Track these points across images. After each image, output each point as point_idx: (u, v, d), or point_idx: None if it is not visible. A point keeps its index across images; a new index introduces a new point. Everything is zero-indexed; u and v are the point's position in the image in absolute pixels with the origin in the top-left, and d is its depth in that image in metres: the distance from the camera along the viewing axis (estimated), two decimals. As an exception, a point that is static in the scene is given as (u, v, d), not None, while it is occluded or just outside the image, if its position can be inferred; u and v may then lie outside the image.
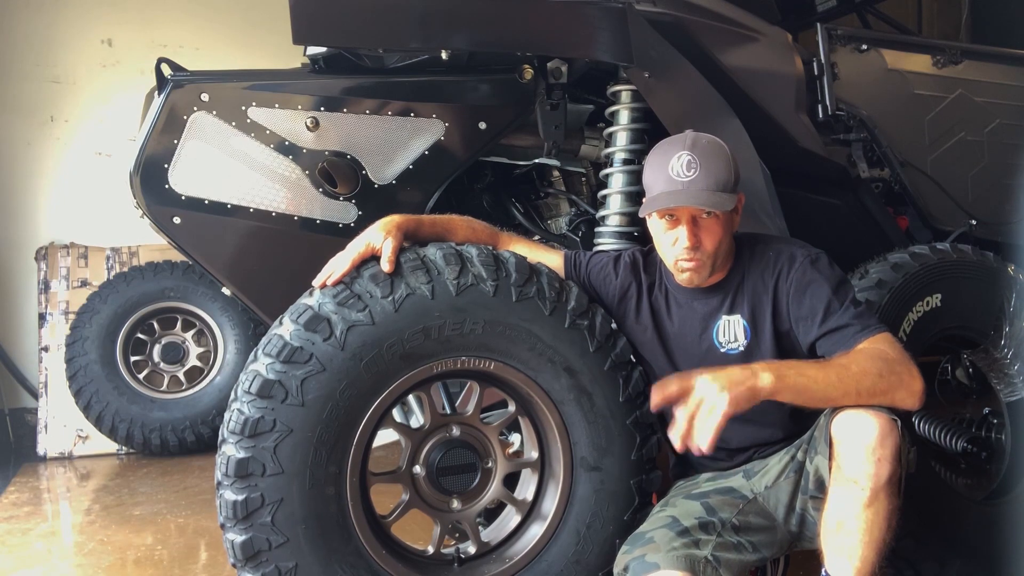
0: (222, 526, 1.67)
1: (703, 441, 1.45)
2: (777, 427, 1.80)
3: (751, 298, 1.78)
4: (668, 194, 1.71)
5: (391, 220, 1.80)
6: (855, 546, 1.52)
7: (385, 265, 1.71)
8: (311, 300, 1.71)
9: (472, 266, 1.76)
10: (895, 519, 1.53)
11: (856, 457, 1.50)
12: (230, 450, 1.64)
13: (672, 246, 1.75)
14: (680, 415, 1.48)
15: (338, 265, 1.73)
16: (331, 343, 1.66)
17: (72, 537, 3.06)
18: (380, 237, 1.75)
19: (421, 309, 1.71)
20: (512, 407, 1.90)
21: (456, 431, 1.86)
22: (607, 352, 1.85)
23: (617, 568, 1.70)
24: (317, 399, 1.65)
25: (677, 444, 1.48)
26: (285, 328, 1.68)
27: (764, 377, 1.50)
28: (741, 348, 1.78)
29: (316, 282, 1.73)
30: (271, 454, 1.62)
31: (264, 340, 1.71)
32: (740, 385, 1.48)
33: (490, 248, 1.85)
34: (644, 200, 1.78)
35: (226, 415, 1.69)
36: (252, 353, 1.73)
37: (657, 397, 1.53)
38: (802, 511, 1.70)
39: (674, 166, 1.71)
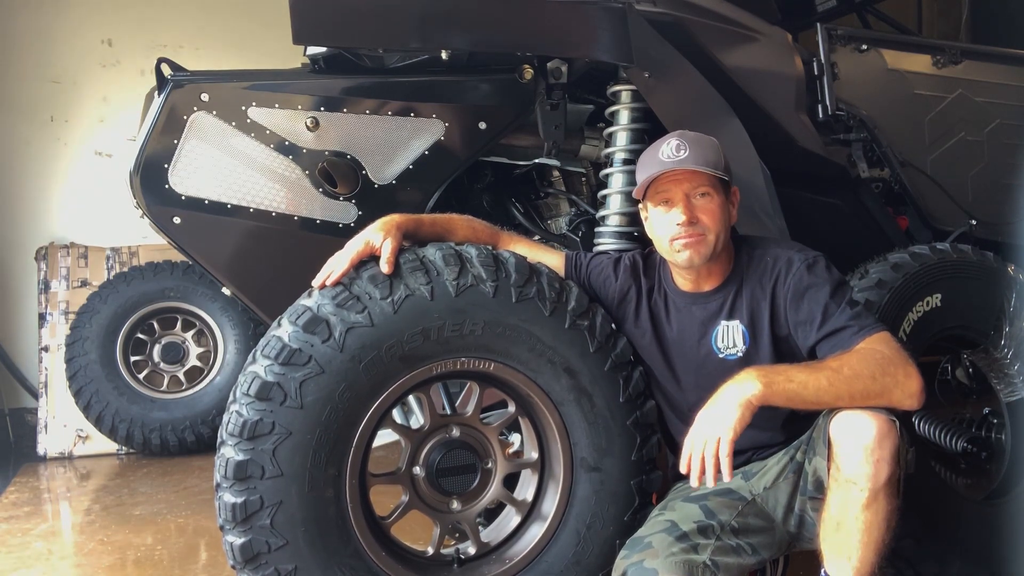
0: (221, 528, 1.67)
1: (725, 474, 1.49)
2: (776, 430, 1.80)
3: (750, 303, 1.78)
4: (661, 166, 1.73)
5: (390, 220, 1.79)
6: (854, 547, 1.52)
7: (384, 266, 1.70)
8: (309, 301, 1.70)
9: (472, 267, 1.76)
10: (894, 520, 1.53)
11: (854, 458, 1.50)
12: (229, 452, 1.63)
13: (668, 227, 1.75)
14: (688, 457, 1.53)
15: (337, 265, 1.72)
16: (330, 345, 1.65)
17: (72, 537, 3.07)
18: (379, 237, 1.74)
19: (420, 310, 1.71)
20: (512, 408, 1.90)
21: (456, 432, 1.86)
22: (607, 352, 1.85)
23: (616, 573, 1.70)
24: (316, 401, 1.64)
25: (695, 483, 1.52)
26: (284, 330, 1.68)
27: (753, 386, 1.52)
28: (740, 354, 1.78)
29: (315, 283, 1.73)
30: (270, 456, 1.62)
31: (263, 342, 1.70)
32: (734, 408, 1.51)
33: (490, 248, 1.85)
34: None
35: (225, 417, 1.69)
36: (251, 355, 1.72)
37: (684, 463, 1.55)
38: (801, 512, 1.70)
39: (664, 150, 1.74)
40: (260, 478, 1.62)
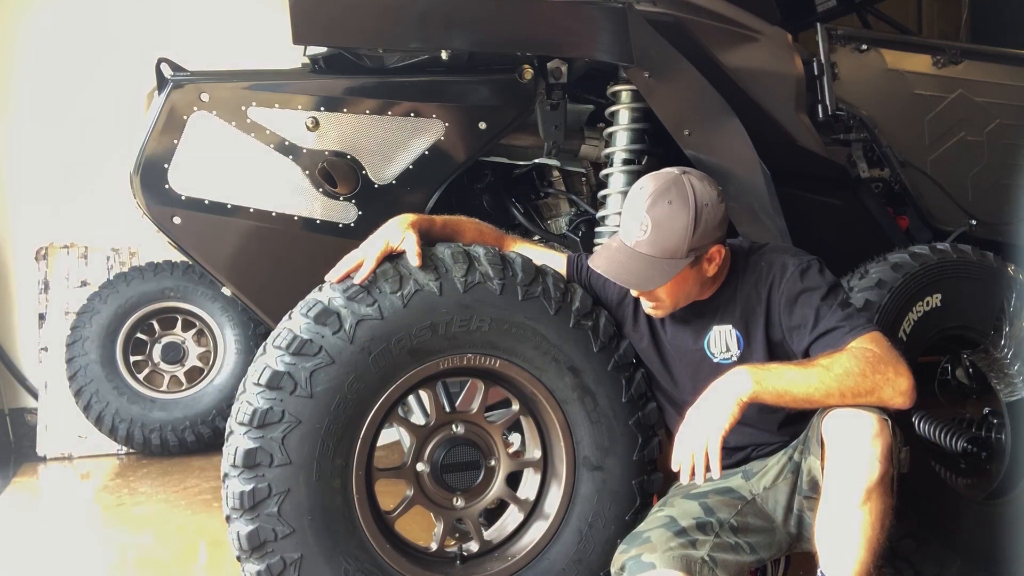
0: (227, 517, 1.68)
1: (714, 472, 1.51)
2: (775, 428, 1.80)
3: (744, 309, 1.78)
4: (610, 255, 1.73)
5: (405, 219, 1.81)
6: (849, 546, 1.51)
7: (415, 260, 1.73)
8: (321, 295, 1.72)
9: (479, 265, 1.78)
10: (889, 519, 1.53)
11: (847, 457, 1.51)
12: (238, 440, 1.65)
13: None
14: (679, 455, 1.55)
15: (363, 263, 1.73)
16: (340, 336, 1.67)
17: (72, 537, 3.06)
18: (398, 235, 1.77)
19: (429, 305, 1.73)
20: (516, 406, 1.91)
21: (460, 429, 1.87)
22: (610, 352, 1.86)
23: (614, 567, 1.70)
24: (326, 391, 1.66)
25: (685, 480, 1.54)
26: (295, 321, 1.70)
27: (743, 384, 1.53)
28: (734, 358, 1.78)
29: (333, 277, 1.74)
30: (279, 445, 1.63)
31: (273, 334, 1.72)
32: (724, 405, 1.52)
33: (497, 249, 1.86)
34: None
35: (234, 407, 1.70)
36: (261, 347, 1.74)
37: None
38: (799, 512, 1.70)
39: (632, 220, 1.71)
40: (269, 466, 1.63)
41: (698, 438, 1.52)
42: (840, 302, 1.69)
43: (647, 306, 1.80)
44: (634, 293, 1.79)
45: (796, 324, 1.71)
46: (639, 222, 1.69)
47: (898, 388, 1.55)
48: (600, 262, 1.74)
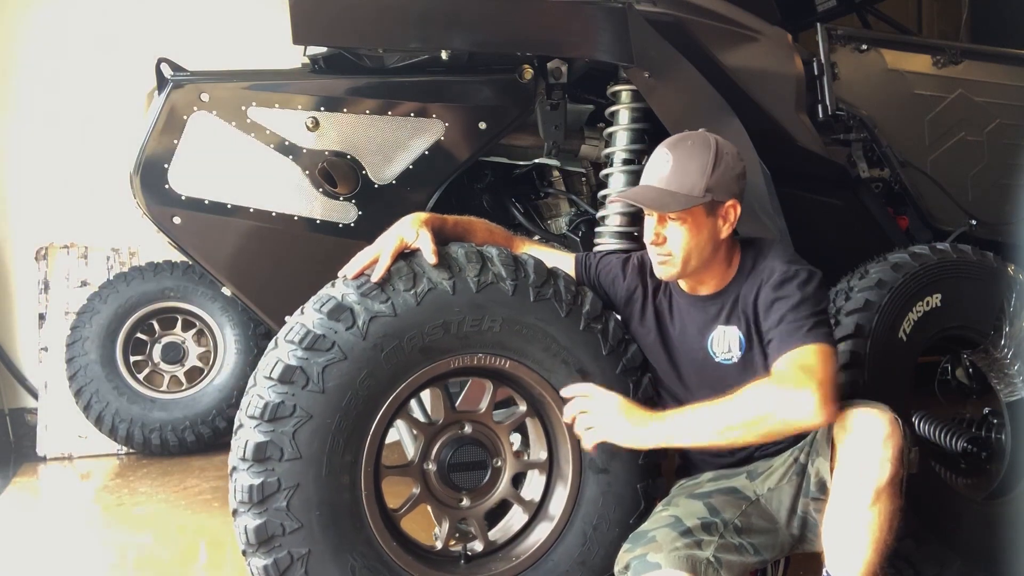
0: (234, 511, 1.67)
1: (585, 445, 1.69)
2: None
3: (745, 309, 1.77)
4: (635, 188, 1.78)
5: (418, 217, 1.81)
6: (857, 547, 1.52)
7: (431, 257, 1.73)
8: (334, 291, 1.72)
9: (492, 265, 1.78)
10: (896, 520, 1.54)
11: (858, 458, 1.51)
12: (248, 434, 1.64)
13: (647, 237, 1.78)
14: (577, 413, 1.70)
15: (379, 260, 1.73)
16: (353, 332, 1.67)
17: (72, 537, 3.06)
18: (412, 233, 1.77)
19: (442, 304, 1.73)
20: (523, 407, 1.91)
21: (468, 428, 1.87)
22: (619, 356, 1.87)
23: (618, 566, 1.70)
24: (337, 387, 1.66)
25: (567, 419, 1.73)
26: (308, 317, 1.69)
27: (643, 438, 1.64)
28: (735, 359, 1.78)
29: (349, 273, 1.73)
30: (290, 439, 1.63)
31: (284, 329, 1.72)
32: (619, 435, 1.65)
33: (509, 250, 1.87)
34: None
35: (244, 401, 1.70)
36: (272, 341, 1.73)
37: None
38: (804, 513, 1.70)
39: (654, 160, 1.77)
40: (279, 460, 1.63)
41: (586, 421, 1.67)
42: (808, 314, 1.64)
43: (656, 260, 1.78)
44: (647, 239, 1.77)
45: (768, 328, 1.70)
46: (660, 161, 1.74)
47: (800, 407, 1.50)
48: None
